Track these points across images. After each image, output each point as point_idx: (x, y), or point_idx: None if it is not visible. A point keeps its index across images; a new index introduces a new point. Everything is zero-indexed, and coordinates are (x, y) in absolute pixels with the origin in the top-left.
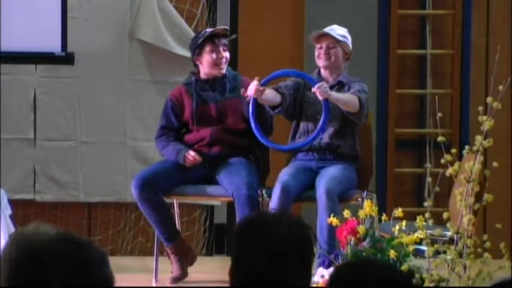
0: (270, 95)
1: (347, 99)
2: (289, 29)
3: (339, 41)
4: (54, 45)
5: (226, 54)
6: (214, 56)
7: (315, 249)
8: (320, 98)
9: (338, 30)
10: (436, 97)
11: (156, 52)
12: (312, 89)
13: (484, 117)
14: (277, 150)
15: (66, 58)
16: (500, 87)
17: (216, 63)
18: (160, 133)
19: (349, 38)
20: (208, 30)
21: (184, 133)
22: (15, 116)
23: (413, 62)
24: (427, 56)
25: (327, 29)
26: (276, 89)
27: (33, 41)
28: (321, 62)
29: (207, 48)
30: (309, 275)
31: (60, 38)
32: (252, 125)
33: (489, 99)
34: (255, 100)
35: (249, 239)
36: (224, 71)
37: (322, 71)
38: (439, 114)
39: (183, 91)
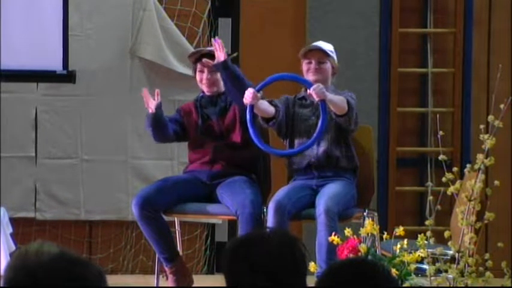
0: (265, 104)
1: (338, 100)
2: (290, 46)
3: (328, 56)
4: (55, 64)
5: (211, 76)
6: (198, 77)
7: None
8: (316, 99)
9: (326, 46)
10: (437, 115)
11: (158, 70)
12: (308, 91)
13: (486, 136)
14: (276, 155)
15: (67, 76)
16: (502, 105)
17: (202, 83)
18: None
19: (335, 53)
20: (202, 49)
21: (189, 149)
22: (16, 134)
23: (414, 80)
24: (428, 74)
25: (315, 44)
26: (270, 102)
27: (34, 59)
28: (310, 76)
29: (197, 67)
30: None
31: (62, 56)
32: (251, 132)
33: (490, 117)
34: (252, 107)
35: (243, 260)
36: (217, 89)
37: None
38: (441, 133)
39: (192, 106)
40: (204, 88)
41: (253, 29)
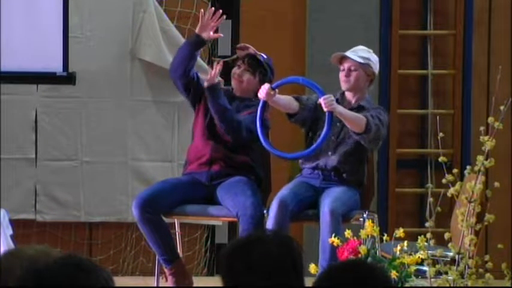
0: (284, 100)
1: (352, 117)
2: (290, 48)
3: (360, 64)
4: (55, 65)
5: (245, 76)
6: (233, 70)
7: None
8: (325, 109)
9: (361, 52)
10: (438, 117)
11: (158, 72)
12: (318, 100)
13: (486, 137)
14: (279, 157)
15: (67, 78)
16: (502, 107)
17: (232, 77)
18: None
19: (375, 59)
20: (250, 47)
21: (192, 138)
22: (16, 135)
23: (414, 82)
24: (429, 76)
25: (350, 51)
26: (296, 98)
27: (34, 61)
28: (342, 84)
29: (239, 61)
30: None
31: (62, 57)
32: (258, 129)
33: (490, 119)
34: (265, 103)
35: (241, 261)
36: (240, 94)
37: (346, 92)
38: (441, 134)
39: None
40: (233, 83)
41: (253, 31)
